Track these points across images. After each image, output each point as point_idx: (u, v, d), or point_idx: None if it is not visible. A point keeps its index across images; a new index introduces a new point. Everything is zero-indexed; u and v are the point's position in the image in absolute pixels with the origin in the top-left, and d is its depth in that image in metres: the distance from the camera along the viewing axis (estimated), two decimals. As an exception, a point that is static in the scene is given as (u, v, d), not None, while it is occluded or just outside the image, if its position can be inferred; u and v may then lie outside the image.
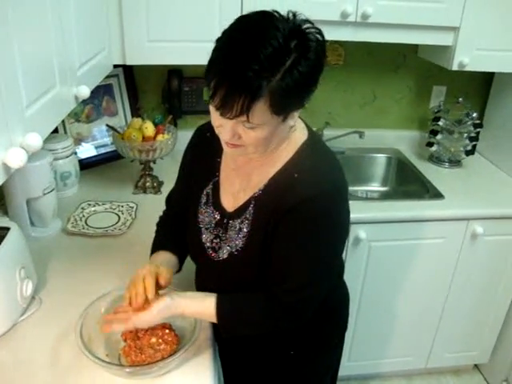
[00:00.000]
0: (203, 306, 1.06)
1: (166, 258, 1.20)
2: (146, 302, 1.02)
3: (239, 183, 1.11)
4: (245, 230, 1.08)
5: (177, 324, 1.13)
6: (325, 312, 1.21)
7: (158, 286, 1.05)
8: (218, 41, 0.91)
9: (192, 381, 1.07)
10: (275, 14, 0.90)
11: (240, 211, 1.09)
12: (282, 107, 0.90)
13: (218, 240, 1.13)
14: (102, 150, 2.05)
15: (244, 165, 1.10)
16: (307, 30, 0.89)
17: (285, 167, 1.04)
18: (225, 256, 1.11)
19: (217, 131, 1.00)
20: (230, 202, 1.12)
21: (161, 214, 1.36)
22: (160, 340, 1.06)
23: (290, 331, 1.16)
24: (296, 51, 0.86)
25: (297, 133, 1.06)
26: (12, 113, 0.82)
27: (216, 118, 0.95)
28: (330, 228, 1.02)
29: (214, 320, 1.06)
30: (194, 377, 1.07)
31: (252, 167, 1.09)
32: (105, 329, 1.05)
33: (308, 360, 1.30)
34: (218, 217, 1.13)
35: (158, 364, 1.01)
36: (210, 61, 0.90)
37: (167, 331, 1.08)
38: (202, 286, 1.21)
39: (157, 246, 1.25)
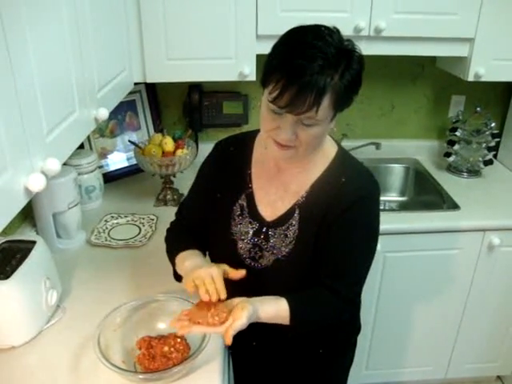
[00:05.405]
0: (278, 309, 1.07)
1: (201, 255, 1.19)
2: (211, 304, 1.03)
3: (274, 193, 1.17)
4: (291, 235, 1.14)
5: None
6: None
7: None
8: (276, 47, 1.00)
9: (202, 387, 1.12)
10: (323, 26, 1.01)
11: (282, 219, 1.15)
12: (340, 103, 1.00)
13: (257, 249, 1.17)
14: (126, 164, 2.13)
15: (280, 175, 1.16)
16: (348, 42, 1.01)
17: (325, 174, 1.14)
18: (269, 263, 1.16)
19: (268, 135, 1.04)
20: (267, 212, 1.17)
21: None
22: (172, 348, 1.12)
23: (321, 330, 1.21)
24: (345, 57, 0.97)
25: (328, 145, 1.16)
26: (34, 140, 0.88)
27: (272, 121, 1.01)
28: (376, 223, 1.15)
29: (287, 321, 1.08)
30: (203, 382, 1.13)
31: (289, 176, 1.15)
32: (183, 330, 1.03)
33: (335, 357, 1.36)
34: (256, 226, 1.18)
35: (170, 371, 1.07)
36: (272, 65, 0.98)
37: (179, 340, 1.14)
38: (233, 294, 1.09)
39: (182, 248, 1.21)
